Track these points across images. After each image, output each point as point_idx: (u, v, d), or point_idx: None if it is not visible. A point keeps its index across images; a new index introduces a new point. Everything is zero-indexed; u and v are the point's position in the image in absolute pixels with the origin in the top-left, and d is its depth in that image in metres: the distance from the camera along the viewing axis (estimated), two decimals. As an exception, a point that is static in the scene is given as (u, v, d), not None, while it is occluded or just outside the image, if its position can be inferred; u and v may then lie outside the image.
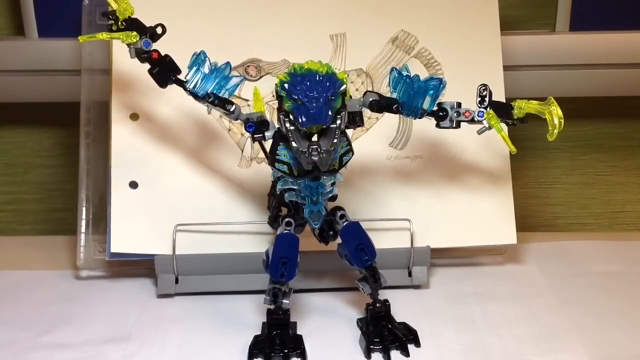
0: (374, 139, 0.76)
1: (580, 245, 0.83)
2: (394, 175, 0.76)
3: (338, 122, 0.56)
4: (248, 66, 0.75)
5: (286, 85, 0.55)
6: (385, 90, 0.76)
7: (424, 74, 0.62)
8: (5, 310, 0.71)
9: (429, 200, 0.76)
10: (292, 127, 0.56)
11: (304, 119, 0.55)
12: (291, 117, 0.55)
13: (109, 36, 0.60)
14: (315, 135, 0.57)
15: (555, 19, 0.86)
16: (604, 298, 0.73)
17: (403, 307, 0.69)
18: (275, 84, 0.57)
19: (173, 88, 0.62)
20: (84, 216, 0.76)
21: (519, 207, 0.76)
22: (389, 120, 0.76)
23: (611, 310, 0.70)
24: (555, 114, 0.62)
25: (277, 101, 0.58)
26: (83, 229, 0.76)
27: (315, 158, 0.55)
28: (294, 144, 0.56)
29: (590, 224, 0.98)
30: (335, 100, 0.56)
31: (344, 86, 0.56)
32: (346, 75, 0.57)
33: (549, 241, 0.84)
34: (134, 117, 0.74)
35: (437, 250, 0.74)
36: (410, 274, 0.74)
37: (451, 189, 0.76)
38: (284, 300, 0.63)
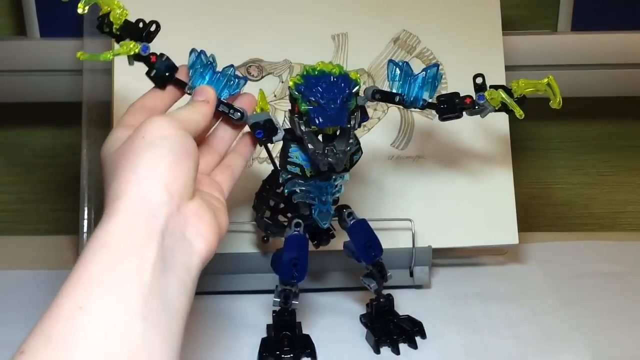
0: (375, 139, 0.76)
1: (582, 246, 0.83)
2: (395, 175, 0.76)
3: (352, 122, 0.56)
4: (250, 66, 0.76)
5: (302, 88, 0.55)
6: (386, 89, 0.76)
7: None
8: (7, 310, 0.71)
9: (430, 200, 0.75)
10: (307, 129, 0.55)
11: (321, 121, 0.54)
12: (305, 119, 0.55)
13: (112, 55, 0.57)
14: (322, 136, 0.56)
15: (557, 19, 0.86)
16: (606, 298, 0.73)
17: (405, 307, 0.69)
18: (289, 87, 0.56)
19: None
20: (85, 216, 0.76)
21: (520, 207, 0.76)
22: (391, 121, 0.76)
23: (613, 310, 0.70)
24: (552, 82, 0.62)
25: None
26: (85, 229, 0.76)
27: (332, 159, 0.55)
28: (310, 145, 0.55)
29: (592, 224, 0.98)
30: (350, 100, 0.55)
31: (357, 87, 0.56)
32: (358, 75, 0.57)
33: (551, 241, 0.84)
34: (136, 117, 0.74)
35: (438, 250, 0.74)
36: (412, 274, 0.74)
37: (453, 189, 0.76)
38: (293, 302, 0.63)
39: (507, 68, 0.77)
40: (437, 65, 0.61)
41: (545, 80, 0.62)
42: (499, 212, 0.76)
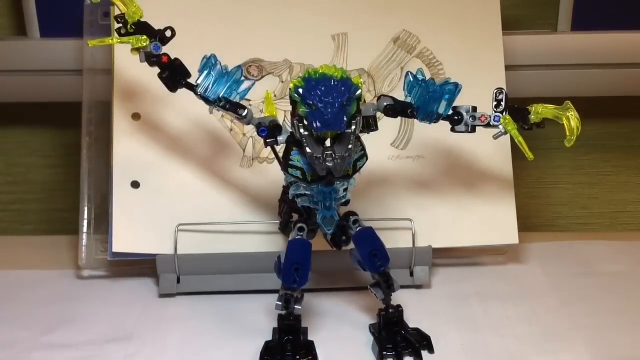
0: (375, 139, 0.75)
1: (582, 245, 0.83)
2: (395, 175, 0.76)
3: (353, 127, 0.55)
4: (250, 66, 0.75)
5: (300, 90, 0.54)
6: (386, 90, 0.76)
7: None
8: (7, 310, 0.71)
9: (430, 200, 0.75)
10: (305, 133, 0.55)
11: (318, 125, 0.53)
12: (305, 122, 0.54)
13: (118, 40, 0.59)
14: (329, 140, 0.55)
15: (557, 19, 0.86)
16: (606, 298, 0.72)
17: (405, 307, 0.69)
18: (289, 89, 0.56)
19: (175, 88, 0.62)
20: (85, 216, 0.76)
21: (520, 207, 0.76)
22: (391, 120, 0.75)
23: (613, 310, 0.70)
24: (572, 119, 0.61)
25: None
26: (85, 229, 0.76)
27: (330, 164, 0.54)
28: (308, 149, 0.54)
29: (592, 224, 0.97)
30: (350, 105, 0.54)
31: (358, 91, 0.55)
32: (361, 80, 0.56)
33: (551, 241, 0.84)
34: (136, 116, 0.74)
35: (438, 250, 0.74)
36: (411, 274, 0.74)
37: (453, 189, 0.76)
38: (296, 306, 0.62)
39: (507, 68, 0.77)
40: (456, 83, 0.61)
41: (566, 112, 0.61)
42: (499, 212, 0.76)
